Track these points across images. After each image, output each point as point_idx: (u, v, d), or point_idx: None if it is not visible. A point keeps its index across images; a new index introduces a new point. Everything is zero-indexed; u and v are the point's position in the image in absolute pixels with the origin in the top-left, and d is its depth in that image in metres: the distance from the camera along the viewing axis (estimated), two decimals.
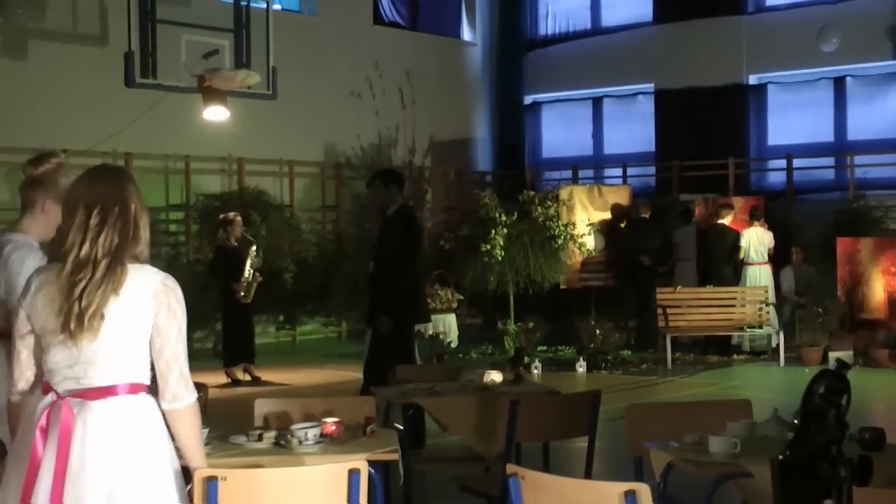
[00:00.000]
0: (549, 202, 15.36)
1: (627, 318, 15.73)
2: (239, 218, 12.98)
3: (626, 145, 20.89)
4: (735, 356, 14.63)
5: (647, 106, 20.81)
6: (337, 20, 19.08)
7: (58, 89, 15.23)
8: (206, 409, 3.78)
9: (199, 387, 3.50)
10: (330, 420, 4.82)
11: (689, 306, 14.67)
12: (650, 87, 20.60)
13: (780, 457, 2.63)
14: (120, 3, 13.71)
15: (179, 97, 14.35)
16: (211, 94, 13.49)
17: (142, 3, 13.27)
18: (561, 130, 22.14)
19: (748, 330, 14.63)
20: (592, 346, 13.74)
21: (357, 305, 16.89)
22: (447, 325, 15.14)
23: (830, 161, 18.75)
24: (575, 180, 19.86)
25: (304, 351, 16.44)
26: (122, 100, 14.73)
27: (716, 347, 14.76)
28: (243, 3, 14.21)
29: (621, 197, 17.03)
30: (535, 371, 13.07)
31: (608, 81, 21.06)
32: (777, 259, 15.41)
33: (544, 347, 14.83)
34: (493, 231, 14.63)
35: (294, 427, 4.72)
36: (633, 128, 20.96)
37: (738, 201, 16.16)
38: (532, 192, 15.71)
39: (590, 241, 16.24)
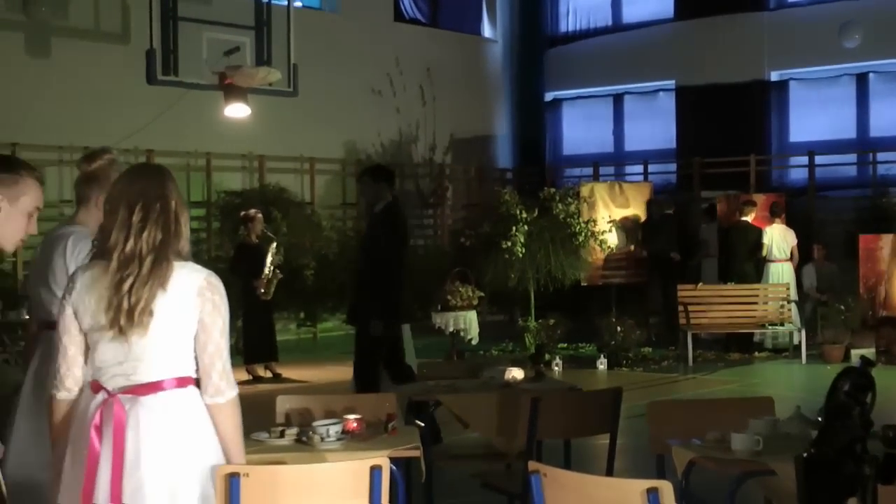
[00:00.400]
0: (569, 199, 15.33)
1: (651, 314, 15.71)
2: (260, 215, 12.99)
3: (648, 142, 20.84)
4: (756, 353, 14.58)
5: (668, 103, 20.75)
6: (358, 17, 19.10)
7: (80, 87, 15.30)
8: None
9: None
10: (352, 417, 4.82)
11: (711, 303, 14.61)
12: (671, 83, 20.53)
13: (805, 454, 2.62)
14: (142, 0, 13.75)
15: (201, 94, 14.40)
16: (232, 91, 13.52)
17: (163, 0, 13.31)
18: (582, 127, 22.10)
19: (770, 327, 14.57)
20: (613, 343, 13.72)
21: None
22: (468, 322, 15.10)
23: (852, 158, 18.66)
24: (596, 177, 19.82)
25: (325, 348, 16.46)
26: (143, 97, 14.79)
27: (737, 345, 14.71)
28: (264, 1, 14.24)
29: (642, 194, 17.00)
30: (556, 368, 13.06)
31: (629, 78, 21.00)
32: (799, 256, 15.35)
33: (565, 344, 14.80)
34: (514, 228, 14.61)
35: (316, 424, 4.73)
36: (654, 124, 20.90)
37: (760, 198, 16.09)
38: (553, 189, 15.68)
39: (611, 238, 16.21)
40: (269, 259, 12.61)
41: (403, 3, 20.73)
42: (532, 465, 3.70)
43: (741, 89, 19.31)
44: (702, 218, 17.10)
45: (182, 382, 3.34)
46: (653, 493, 3.36)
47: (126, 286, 3.25)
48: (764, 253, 15.08)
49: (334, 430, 4.67)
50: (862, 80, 18.85)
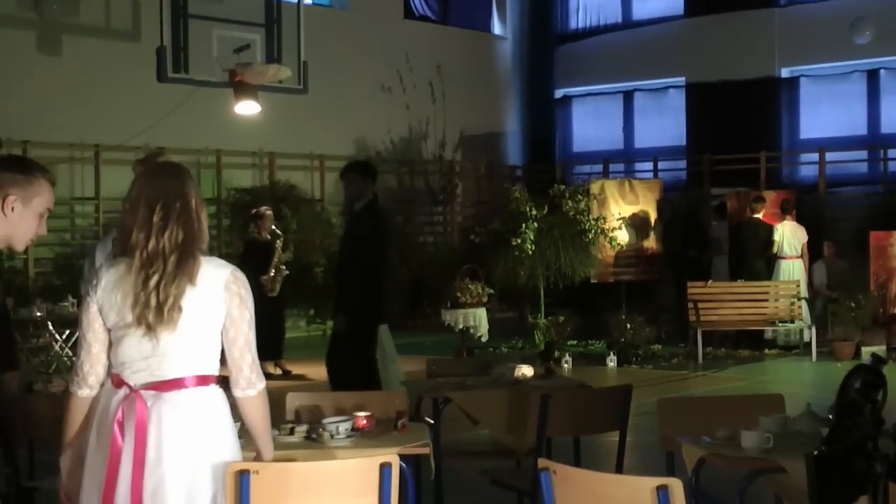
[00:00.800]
0: (579, 196, 15.31)
1: (662, 311, 15.70)
2: (270, 212, 12.99)
3: (657, 139, 20.81)
4: (766, 351, 14.55)
5: (678, 99, 20.72)
6: (368, 15, 19.10)
7: (91, 84, 15.34)
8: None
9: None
10: (361, 414, 4.82)
11: (721, 300, 14.58)
12: (681, 80, 20.50)
13: (816, 452, 2.62)
14: None
15: (211, 92, 14.42)
16: (242, 88, 13.53)
17: None
18: (591, 124, 22.08)
19: (780, 324, 14.54)
20: (623, 340, 13.71)
21: (387, 299, 16.92)
22: (478, 319, 15.15)
23: (863, 154, 18.61)
24: (606, 174, 19.80)
25: None
26: (154, 95, 14.81)
27: (747, 342, 14.68)
28: None
29: (652, 191, 16.97)
30: (566, 365, 13.05)
31: (639, 75, 20.98)
32: (809, 253, 15.31)
33: (574, 342, 14.78)
34: (524, 225, 14.60)
35: (325, 421, 4.73)
36: (664, 121, 20.88)
37: (770, 195, 16.06)
38: (563, 187, 15.67)
39: (621, 235, 16.20)
40: (275, 256, 12.60)
41: (413, 0, 20.74)
42: (542, 462, 3.70)
43: (752, 86, 19.27)
44: (712, 215, 17.08)
45: (204, 380, 3.36)
46: (662, 491, 3.35)
47: (152, 283, 3.27)
48: (775, 250, 15.05)
49: (344, 427, 4.68)
50: (873, 76, 18.80)
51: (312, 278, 15.55)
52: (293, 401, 5.28)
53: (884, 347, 13.17)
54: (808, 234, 15.22)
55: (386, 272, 8.48)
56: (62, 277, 14.23)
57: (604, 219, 15.71)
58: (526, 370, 6.43)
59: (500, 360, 10.33)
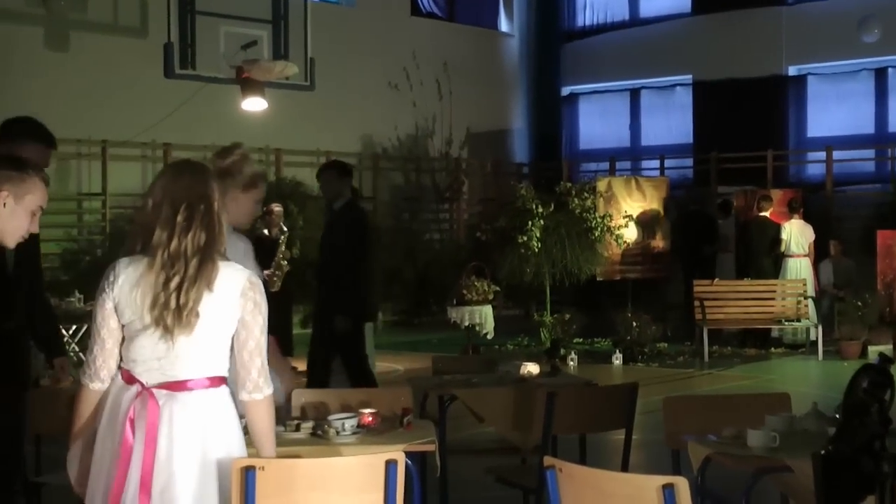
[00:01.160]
0: (586, 194, 15.30)
1: (669, 309, 15.68)
2: (279, 209, 12.98)
3: (664, 137, 20.80)
4: (773, 349, 14.53)
5: (685, 97, 20.70)
6: (375, 11, 19.10)
7: (98, 80, 15.35)
8: None
9: None
10: (367, 411, 4.82)
11: (727, 299, 14.56)
12: (688, 78, 20.48)
13: (823, 451, 2.61)
14: None
15: (218, 88, 14.42)
16: (249, 85, 13.53)
17: None
18: (598, 122, 22.07)
19: (786, 323, 14.53)
20: (629, 338, 13.70)
21: (393, 297, 16.89)
22: (483, 317, 15.10)
23: (871, 153, 18.58)
24: (612, 172, 19.78)
25: None
26: (161, 91, 14.83)
27: (753, 340, 14.66)
28: None
29: (659, 189, 16.96)
30: (572, 363, 13.05)
31: (646, 73, 20.96)
32: (816, 251, 15.29)
33: (580, 339, 14.78)
34: (530, 223, 14.59)
35: (331, 417, 4.73)
36: (670, 119, 20.86)
37: (777, 193, 16.05)
38: (569, 184, 15.65)
39: (628, 233, 16.18)
40: (278, 252, 12.60)
41: None
42: (547, 460, 3.70)
43: (759, 84, 19.24)
44: (717, 213, 17.06)
45: (216, 382, 3.38)
46: (668, 489, 3.34)
47: (173, 285, 3.26)
48: (783, 248, 15.03)
49: (350, 423, 4.67)
50: (881, 74, 18.77)
51: None
52: (299, 397, 5.29)
53: (890, 346, 13.15)
54: (815, 232, 15.19)
55: (369, 270, 8.52)
56: (69, 273, 14.24)
57: (610, 216, 15.70)
58: (532, 368, 6.43)
59: (505, 358, 10.34)
